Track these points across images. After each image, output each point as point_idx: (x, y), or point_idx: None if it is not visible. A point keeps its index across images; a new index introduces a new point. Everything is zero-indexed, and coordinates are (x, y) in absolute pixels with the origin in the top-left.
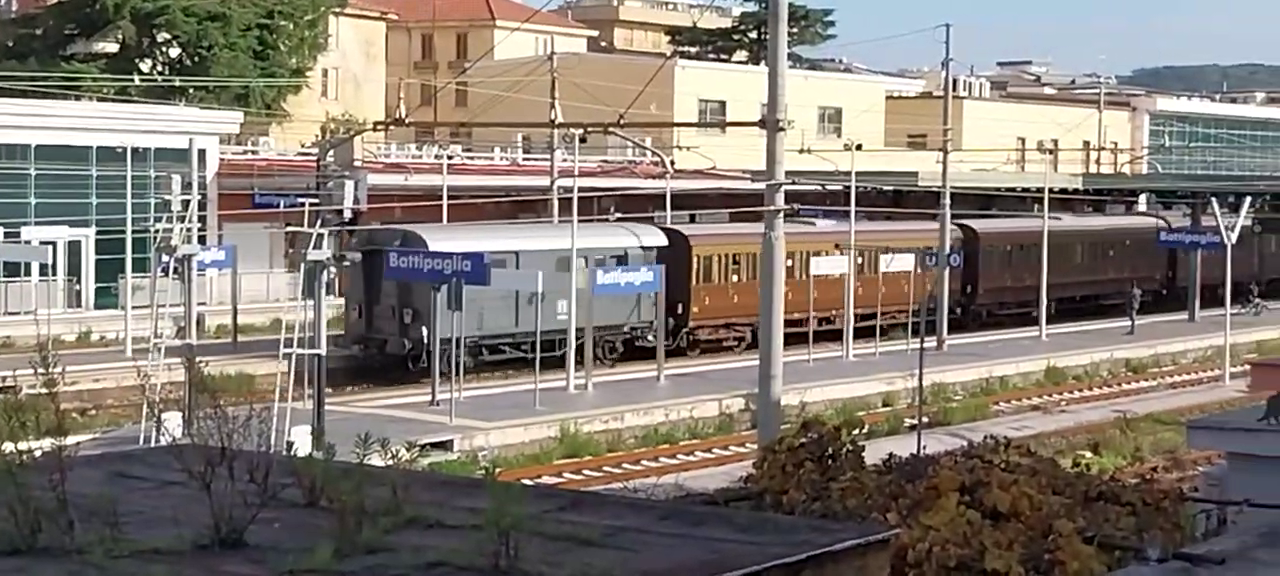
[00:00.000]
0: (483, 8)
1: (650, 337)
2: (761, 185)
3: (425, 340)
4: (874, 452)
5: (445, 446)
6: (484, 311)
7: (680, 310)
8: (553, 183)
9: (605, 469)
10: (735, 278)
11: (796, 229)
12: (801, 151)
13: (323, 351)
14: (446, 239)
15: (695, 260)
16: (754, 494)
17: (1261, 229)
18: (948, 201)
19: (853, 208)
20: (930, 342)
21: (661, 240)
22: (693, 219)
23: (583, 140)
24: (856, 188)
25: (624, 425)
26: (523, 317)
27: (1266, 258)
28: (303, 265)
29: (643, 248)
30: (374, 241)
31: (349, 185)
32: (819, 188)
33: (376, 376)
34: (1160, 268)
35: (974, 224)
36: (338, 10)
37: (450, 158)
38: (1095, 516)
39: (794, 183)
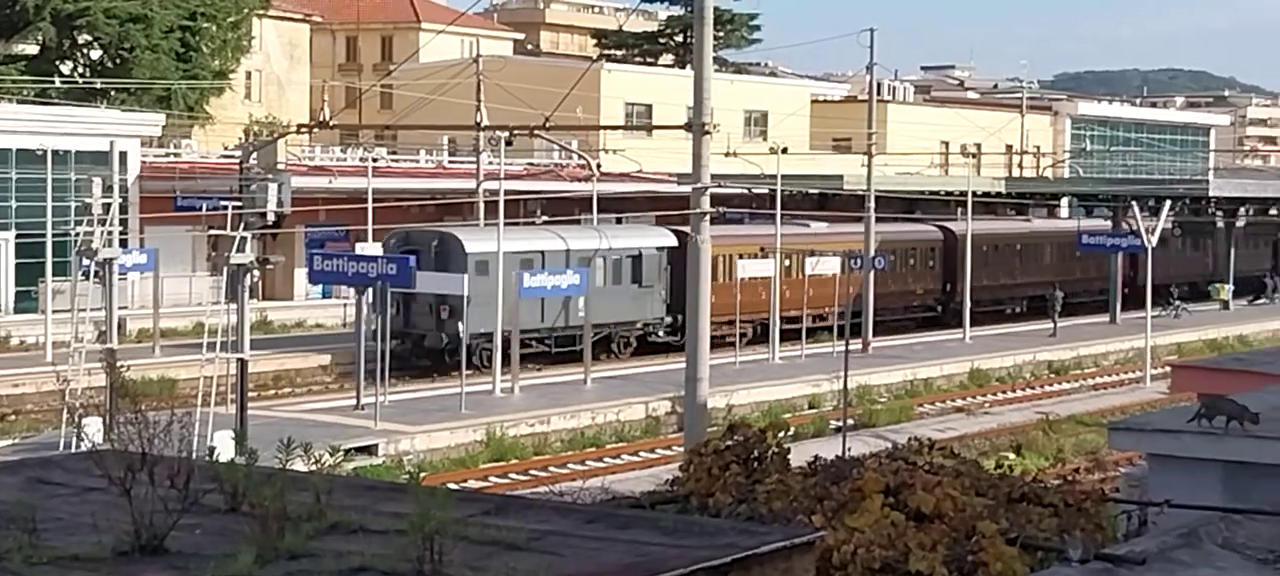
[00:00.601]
0: (408, 10)
1: (660, 333)
2: (687, 188)
3: (461, 334)
4: (800, 455)
5: (370, 451)
6: (519, 308)
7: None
8: (479, 185)
9: (531, 472)
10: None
11: (795, 230)
12: (727, 154)
13: (246, 355)
14: (479, 240)
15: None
16: (680, 496)
17: (1181, 232)
18: (872, 205)
19: (778, 211)
20: (856, 345)
21: (671, 241)
22: (619, 221)
23: (509, 143)
24: (782, 191)
25: (550, 428)
26: (547, 314)
27: (1186, 260)
28: (226, 268)
29: (656, 248)
30: (410, 242)
31: (272, 188)
32: (745, 190)
33: (412, 368)
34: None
35: (953, 226)
36: (261, 12)
37: (375, 160)
38: (1018, 517)
39: (720, 185)
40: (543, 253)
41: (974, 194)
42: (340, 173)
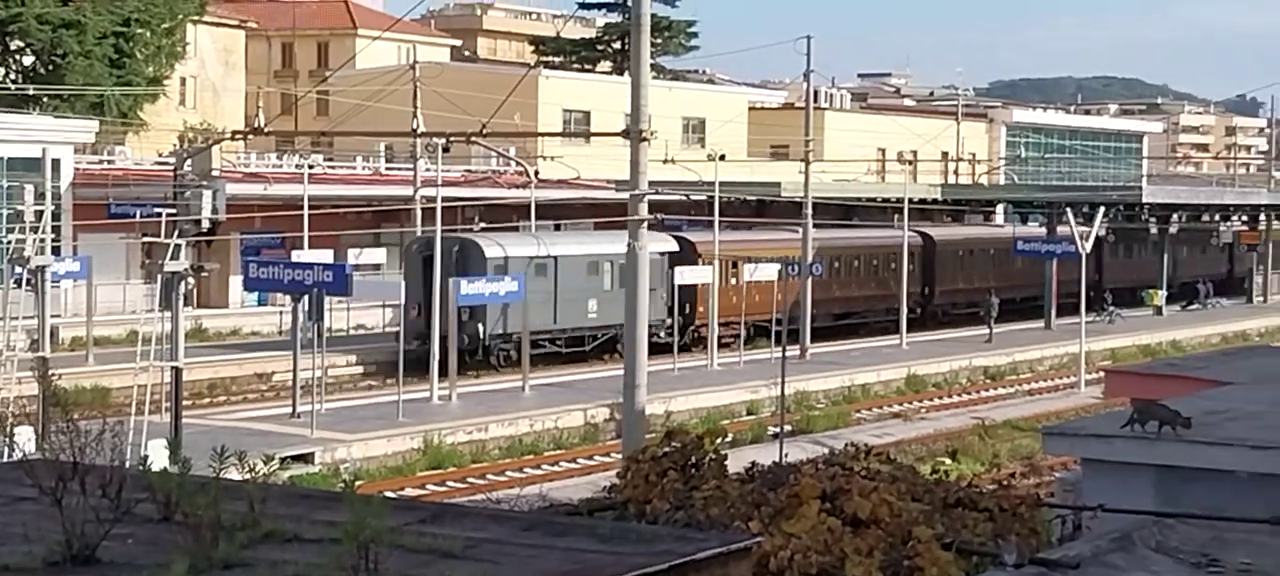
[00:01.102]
0: (344, 16)
1: (661, 334)
2: (625, 195)
3: (482, 335)
4: (737, 461)
5: (306, 459)
6: (528, 310)
7: (687, 309)
8: (416, 192)
9: (469, 480)
10: (733, 280)
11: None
12: (665, 161)
13: (180, 363)
14: (497, 246)
15: (700, 264)
16: (617, 504)
17: (1115, 238)
18: (809, 211)
19: (717, 217)
20: (794, 351)
21: (673, 245)
22: (557, 227)
23: (446, 149)
24: (720, 198)
25: (488, 436)
26: (559, 316)
27: (1120, 266)
28: (160, 276)
29: (659, 253)
30: (431, 246)
31: (207, 195)
32: (683, 197)
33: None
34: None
35: (931, 231)
36: (196, 18)
37: (311, 167)
38: (953, 522)
39: (657, 192)
40: (556, 258)
41: (910, 201)
42: (276, 179)
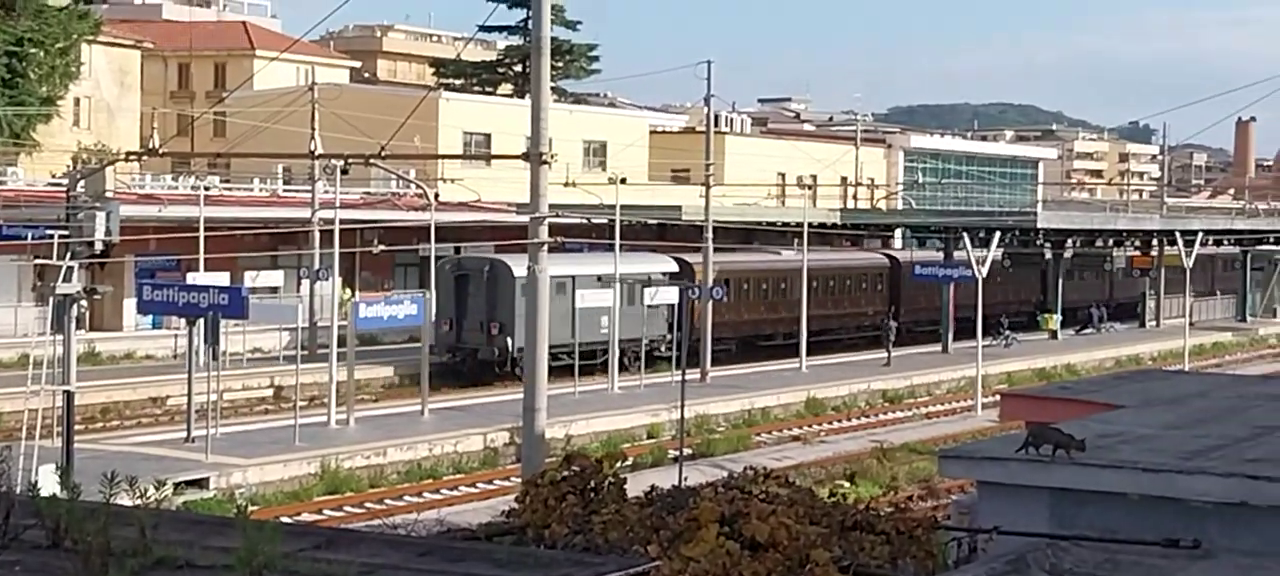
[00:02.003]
0: (241, 37)
1: (662, 349)
2: (526, 218)
3: (510, 349)
4: (637, 485)
5: (201, 484)
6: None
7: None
8: (314, 214)
9: (367, 505)
10: (726, 299)
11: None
12: (566, 184)
13: (72, 387)
14: (525, 265)
15: (699, 282)
16: (516, 528)
17: (1011, 263)
18: (710, 235)
19: (617, 240)
20: (694, 375)
21: (673, 266)
22: (457, 251)
23: (344, 171)
24: (621, 221)
25: (387, 460)
26: (577, 332)
27: (1015, 290)
28: (52, 298)
29: (663, 272)
30: (463, 266)
31: (100, 216)
32: (584, 221)
33: (463, 379)
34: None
35: (898, 254)
36: (91, 38)
37: (207, 189)
38: (851, 545)
39: (558, 215)
40: (573, 277)
41: (810, 225)
42: (171, 201)
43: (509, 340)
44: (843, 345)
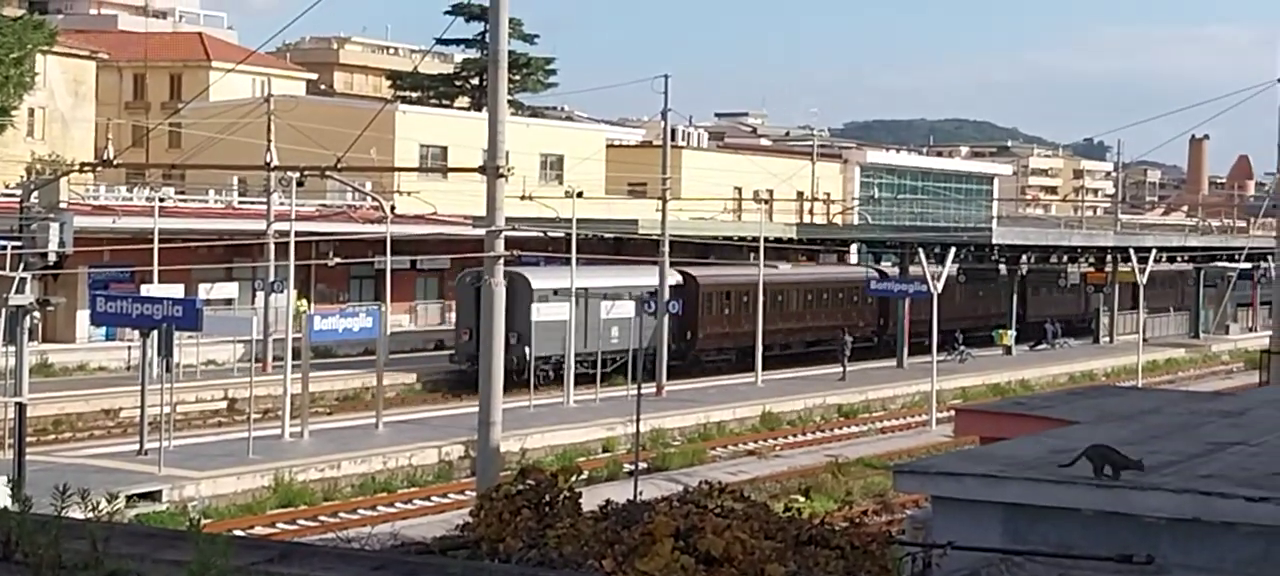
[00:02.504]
0: (197, 48)
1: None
2: (482, 231)
3: (527, 357)
4: (592, 499)
5: (153, 497)
6: (566, 335)
7: (689, 335)
8: (269, 226)
9: (321, 518)
10: (726, 310)
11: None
12: (523, 198)
13: (25, 399)
14: (542, 278)
15: (701, 295)
16: (471, 542)
17: (966, 278)
18: (666, 249)
19: (573, 254)
20: (650, 388)
21: (678, 279)
22: (413, 265)
23: (300, 183)
24: (577, 234)
25: (341, 473)
26: (589, 341)
27: (970, 305)
28: (4, 310)
29: (668, 284)
30: (479, 278)
31: (54, 227)
32: (540, 234)
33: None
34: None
35: (888, 268)
36: (45, 48)
37: (162, 200)
38: (806, 560)
39: (514, 228)
40: (587, 289)
41: (766, 239)
42: (125, 212)
43: (526, 349)
44: (833, 356)
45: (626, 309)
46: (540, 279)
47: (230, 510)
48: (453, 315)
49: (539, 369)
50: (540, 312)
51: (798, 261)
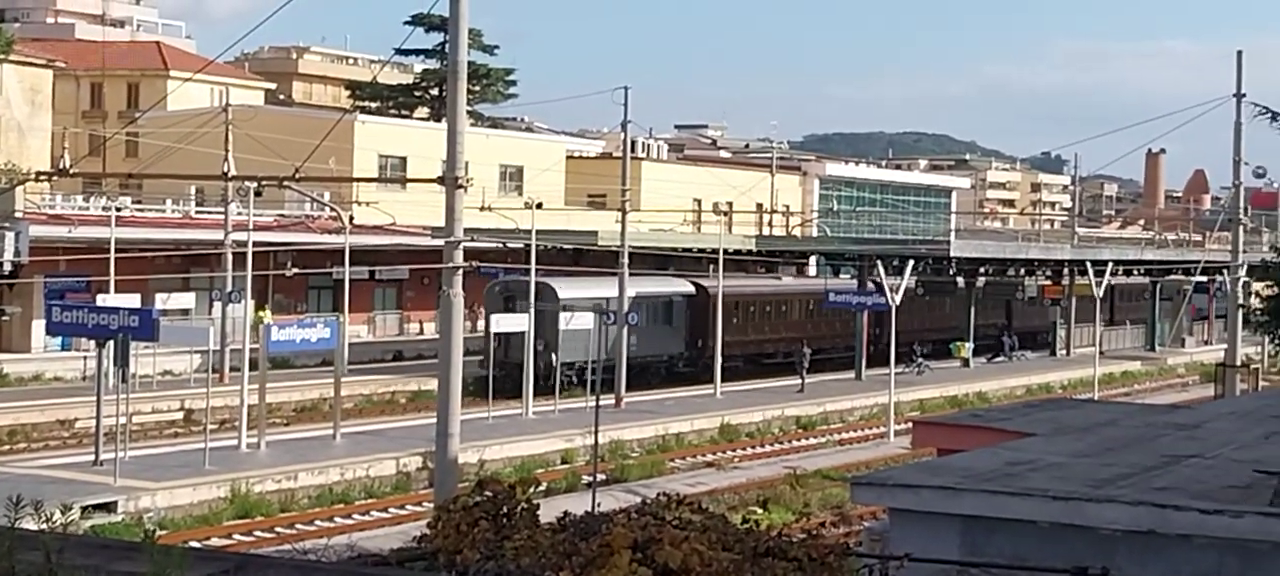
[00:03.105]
0: (155, 57)
1: (680, 365)
2: (441, 241)
3: (554, 364)
4: (551, 510)
5: (109, 508)
6: (588, 343)
7: (700, 343)
8: (227, 236)
9: (277, 529)
10: (735, 319)
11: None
12: (482, 209)
13: None
14: (568, 288)
15: (712, 304)
16: (428, 553)
17: (925, 291)
18: (625, 260)
19: (533, 265)
20: (608, 400)
21: (691, 289)
22: (372, 275)
23: (258, 193)
24: (537, 245)
25: (298, 484)
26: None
27: (928, 318)
28: None
29: (681, 295)
30: (509, 288)
31: (10, 237)
32: (500, 245)
33: (511, 391)
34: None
35: (884, 280)
36: (2, 57)
37: (119, 210)
38: (764, 572)
39: (473, 239)
40: (608, 299)
41: (726, 251)
42: (82, 222)
43: (553, 356)
44: (835, 364)
45: (643, 317)
46: (566, 289)
47: (186, 521)
48: (411, 326)
49: (564, 374)
50: (567, 321)
51: (800, 273)
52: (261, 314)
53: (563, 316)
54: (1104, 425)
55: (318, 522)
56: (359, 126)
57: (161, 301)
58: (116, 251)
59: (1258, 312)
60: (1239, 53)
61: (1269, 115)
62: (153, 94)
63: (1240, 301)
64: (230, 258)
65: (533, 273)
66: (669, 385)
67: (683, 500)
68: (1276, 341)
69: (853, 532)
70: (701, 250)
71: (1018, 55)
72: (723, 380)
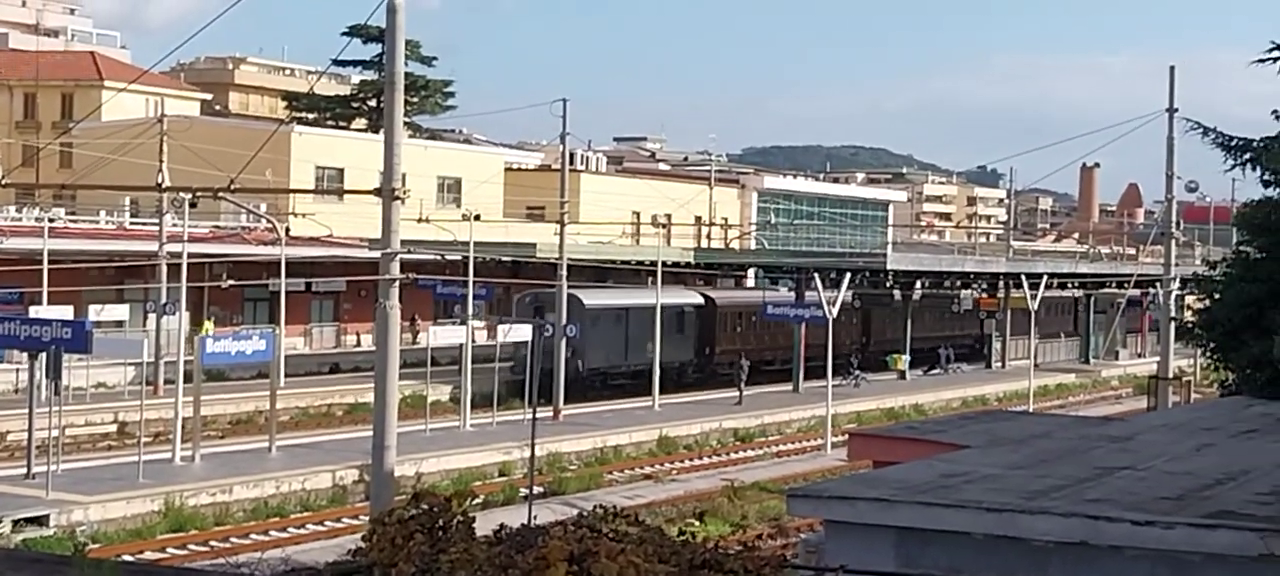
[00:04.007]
0: (89, 67)
1: (690, 372)
2: (377, 253)
3: (581, 369)
4: (487, 523)
5: (40, 521)
6: (610, 350)
7: (707, 350)
8: (161, 247)
9: (211, 543)
10: (738, 328)
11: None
12: (420, 221)
13: None
14: (594, 297)
15: (718, 314)
16: (363, 567)
17: (861, 304)
18: (564, 273)
19: (470, 277)
20: (546, 412)
21: (700, 300)
22: (309, 287)
23: (193, 205)
24: (475, 258)
25: (233, 498)
26: (630, 355)
27: (865, 330)
28: None
29: (692, 305)
30: (539, 299)
31: None
32: (438, 257)
33: (539, 396)
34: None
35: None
36: None
37: (52, 221)
38: None
39: (410, 251)
40: (628, 308)
41: (664, 264)
42: (14, 233)
43: (581, 362)
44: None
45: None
46: (592, 298)
47: (119, 535)
48: (348, 338)
49: (594, 378)
50: (594, 330)
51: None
52: (206, 324)
53: (589, 325)
54: (1038, 437)
55: (252, 536)
56: (296, 137)
57: (95, 313)
58: (49, 263)
59: (1190, 325)
60: (1172, 68)
61: (1200, 130)
62: (87, 104)
63: (1173, 314)
64: (165, 269)
65: (470, 286)
66: (680, 390)
67: (620, 513)
68: (1208, 354)
69: (789, 544)
70: (640, 262)
71: (954, 70)
72: (722, 387)
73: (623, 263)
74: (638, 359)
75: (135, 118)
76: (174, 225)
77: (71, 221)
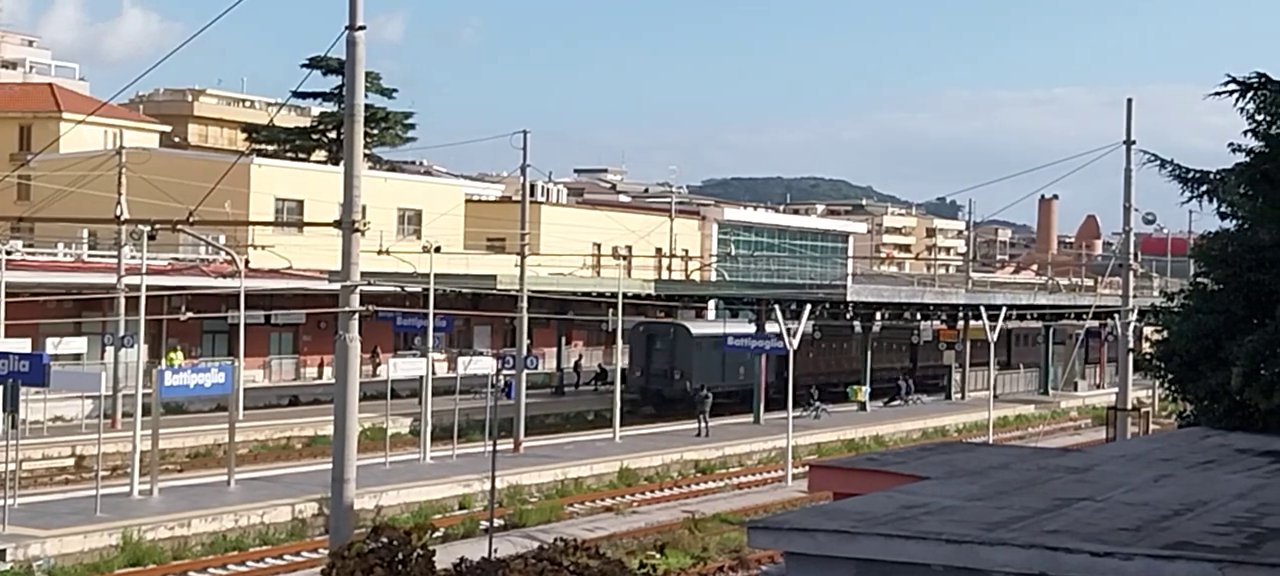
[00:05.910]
0: (47, 99)
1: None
2: (337, 286)
3: (688, 389)
4: (447, 556)
5: None
6: (709, 373)
7: (782, 376)
8: (119, 280)
9: None
10: (810, 354)
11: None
12: (380, 253)
13: None
14: (699, 327)
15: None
16: None
17: (821, 335)
18: (525, 304)
19: (432, 310)
20: (507, 445)
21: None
22: (268, 319)
23: (152, 237)
24: (435, 289)
25: (191, 531)
26: (726, 377)
27: (825, 362)
28: None
29: (747, 333)
30: (650, 328)
31: None
32: (398, 289)
33: (653, 414)
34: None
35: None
36: None
37: (9, 253)
38: None
39: (370, 283)
40: (726, 335)
41: (625, 295)
42: None
43: (687, 384)
44: (837, 396)
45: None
46: (697, 327)
47: (77, 570)
48: (308, 370)
49: (696, 398)
50: (699, 354)
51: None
52: (172, 356)
53: (695, 350)
54: (997, 468)
55: (211, 570)
56: (255, 169)
57: (52, 346)
58: (7, 295)
59: (1148, 357)
60: (1129, 100)
61: (1158, 162)
62: (45, 136)
63: (1131, 345)
64: (123, 302)
65: (431, 317)
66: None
67: (580, 545)
68: (1166, 385)
69: None
70: (601, 294)
71: (913, 103)
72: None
73: (583, 294)
74: (733, 380)
75: (94, 149)
76: (132, 257)
77: (29, 254)
